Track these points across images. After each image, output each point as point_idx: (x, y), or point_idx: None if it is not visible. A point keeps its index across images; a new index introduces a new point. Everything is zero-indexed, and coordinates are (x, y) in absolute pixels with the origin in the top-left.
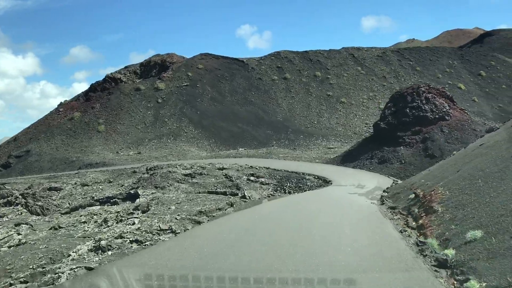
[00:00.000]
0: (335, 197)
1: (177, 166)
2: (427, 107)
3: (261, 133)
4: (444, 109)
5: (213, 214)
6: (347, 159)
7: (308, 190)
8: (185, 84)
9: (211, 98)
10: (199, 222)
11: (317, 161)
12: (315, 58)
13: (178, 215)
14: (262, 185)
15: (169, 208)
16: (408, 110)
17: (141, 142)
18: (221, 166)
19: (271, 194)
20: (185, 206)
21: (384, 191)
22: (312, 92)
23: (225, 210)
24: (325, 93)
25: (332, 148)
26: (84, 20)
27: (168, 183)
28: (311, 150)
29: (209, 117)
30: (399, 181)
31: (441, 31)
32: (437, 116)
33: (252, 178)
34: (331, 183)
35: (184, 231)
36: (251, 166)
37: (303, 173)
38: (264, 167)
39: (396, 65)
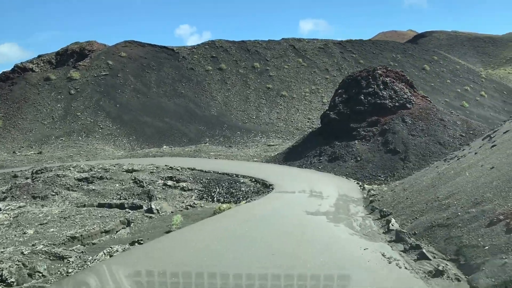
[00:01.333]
0: (285, 223)
1: (71, 168)
2: (385, 93)
3: (192, 129)
4: (405, 96)
5: (94, 241)
6: (291, 157)
7: (243, 197)
8: (104, 73)
9: (134, 90)
10: (62, 258)
11: (255, 159)
12: (253, 49)
13: (33, 245)
14: (183, 192)
15: (24, 233)
16: (362, 97)
17: (46, 140)
18: (130, 168)
19: (191, 205)
20: (52, 229)
21: (372, 208)
22: (250, 84)
23: (116, 232)
24: (265, 85)
25: (273, 145)
26: (15, 18)
27: (53, 191)
28: (249, 147)
29: (131, 111)
30: (374, 187)
31: (377, 33)
32: (397, 104)
33: (170, 182)
34: (272, 188)
35: None
36: (171, 167)
37: (238, 175)
38: (189, 168)
39: (339, 58)
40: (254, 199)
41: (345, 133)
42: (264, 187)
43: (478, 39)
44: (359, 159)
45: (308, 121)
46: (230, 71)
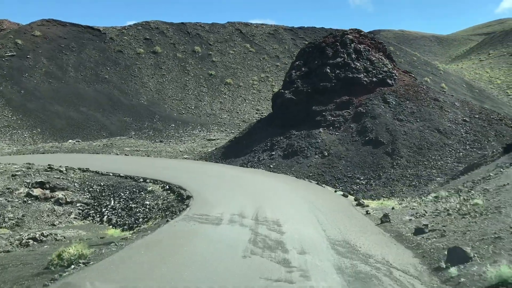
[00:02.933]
0: None
1: None
2: (358, 64)
3: (114, 120)
4: (385, 68)
5: None
6: (233, 153)
7: (144, 217)
8: (10, 54)
9: (45, 74)
10: None
11: (185, 156)
12: (194, 32)
13: None
14: (57, 206)
15: None
16: (329, 70)
17: None
18: None
19: (35, 238)
20: None
21: None
22: (189, 70)
23: None
24: (206, 72)
25: (214, 139)
26: None
27: None
28: (184, 142)
29: (39, 99)
30: (384, 204)
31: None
32: (374, 79)
33: (37, 191)
34: (187, 206)
35: None
36: (50, 168)
37: (147, 180)
38: (80, 170)
39: (290, 44)
40: (145, 233)
41: (305, 119)
42: (179, 200)
43: (424, 38)
44: (326, 153)
45: (256, 113)
46: (166, 55)
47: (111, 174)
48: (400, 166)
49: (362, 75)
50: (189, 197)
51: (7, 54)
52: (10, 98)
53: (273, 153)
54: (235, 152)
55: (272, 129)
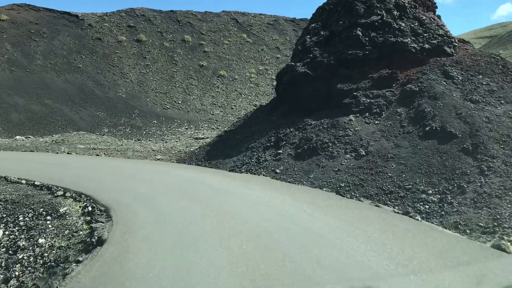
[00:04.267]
0: None
1: None
2: (403, 25)
3: (85, 115)
4: (441, 31)
5: None
6: (221, 152)
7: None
8: None
9: (8, 61)
10: None
11: (158, 157)
12: (185, 20)
13: None
14: None
15: None
16: (360, 33)
17: None
18: None
19: None
20: None
21: None
22: (178, 60)
23: None
24: (197, 63)
25: (202, 138)
26: None
27: None
28: (166, 141)
29: None
30: None
31: None
32: (427, 45)
33: None
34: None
35: None
36: None
37: (68, 194)
38: None
39: (292, 36)
40: None
41: (326, 102)
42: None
43: None
44: (363, 152)
45: (254, 108)
46: (151, 44)
47: (23, 182)
48: (496, 172)
49: (409, 39)
50: (101, 241)
51: None
52: None
53: (280, 151)
54: (224, 151)
55: (277, 118)
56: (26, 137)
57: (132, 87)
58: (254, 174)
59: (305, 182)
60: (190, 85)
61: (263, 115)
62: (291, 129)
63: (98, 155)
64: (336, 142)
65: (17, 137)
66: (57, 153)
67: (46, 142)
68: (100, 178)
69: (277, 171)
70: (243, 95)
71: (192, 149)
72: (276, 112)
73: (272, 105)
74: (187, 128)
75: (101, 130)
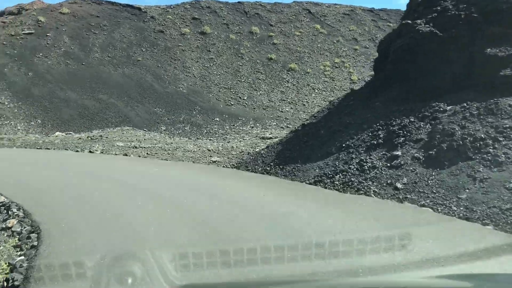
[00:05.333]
0: None
1: None
2: None
3: (142, 111)
4: None
5: None
6: (298, 154)
7: None
8: (26, 32)
9: (64, 54)
10: None
11: (214, 159)
12: (253, 11)
13: None
14: None
15: None
16: None
17: None
18: None
19: None
20: None
21: None
22: (244, 53)
23: None
24: (265, 56)
25: (270, 138)
26: None
27: None
28: (228, 140)
29: (48, 83)
30: None
31: None
32: None
33: None
34: None
35: None
36: None
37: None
38: None
39: (371, 26)
40: None
41: (469, 77)
42: None
43: None
44: None
45: (345, 94)
46: (216, 36)
47: None
48: None
49: None
50: None
51: (23, 32)
52: (13, 81)
53: (398, 153)
54: (303, 151)
55: (383, 105)
56: (66, 133)
57: (194, 82)
58: (359, 190)
59: (454, 207)
60: (257, 79)
61: (359, 101)
62: (412, 119)
63: (127, 155)
64: (500, 139)
65: (57, 133)
66: (77, 151)
67: (80, 138)
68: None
69: (398, 185)
70: (316, 90)
71: (253, 150)
72: (381, 96)
73: (373, 87)
74: (252, 127)
75: (158, 127)
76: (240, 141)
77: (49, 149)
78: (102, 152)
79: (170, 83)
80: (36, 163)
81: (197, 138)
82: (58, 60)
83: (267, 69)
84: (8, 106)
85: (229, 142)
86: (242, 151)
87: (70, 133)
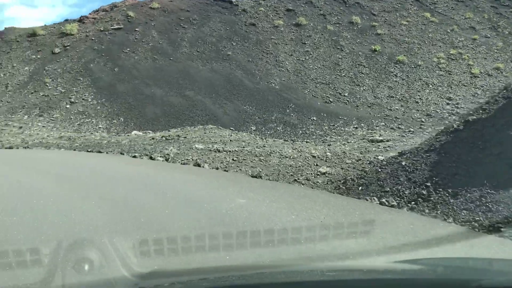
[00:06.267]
0: None
1: None
2: None
3: (230, 109)
4: None
5: None
6: (472, 171)
7: None
8: (115, 27)
9: (152, 49)
10: None
11: (322, 170)
12: (353, 0)
13: None
14: None
15: None
16: None
17: None
18: None
19: None
20: None
21: None
22: (344, 46)
23: None
24: (368, 47)
25: (381, 141)
26: None
27: None
28: (329, 143)
29: (134, 78)
30: None
31: None
32: None
33: None
34: None
35: None
36: None
37: None
38: None
39: (491, 13)
40: None
41: None
42: None
43: None
44: None
45: (448, 104)
46: (312, 28)
47: None
48: None
49: None
50: None
51: (112, 27)
52: (98, 77)
53: None
54: (482, 166)
55: None
56: (144, 132)
57: (287, 77)
58: None
59: None
60: (359, 73)
61: None
62: None
63: (199, 166)
64: None
65: (133, 132)
66: (134, 156)
67: (153, 139)
68: None
69: None
70: (430, 86)
71: (369, 156)
72: None
73: None
74: (356, 127)
75: (248, 127)
76: (344, 144)
77: (101, 152)
78: (167, 160)
79: (262, 78)
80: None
81: (293, 140)
82: (145, 55)
83: (371, 62)
84: (91, 103)
85: (329, 145)
86: (359, 159)
87: (148, 132)
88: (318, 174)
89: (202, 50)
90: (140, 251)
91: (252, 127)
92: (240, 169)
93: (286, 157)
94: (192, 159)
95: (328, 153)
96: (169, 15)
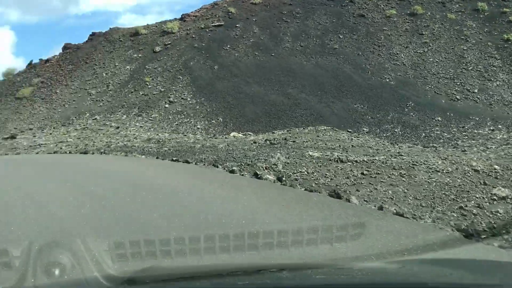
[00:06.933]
0: None
1: None
2: None
3: (338, 108)
4: None
5: None
6: None
7: None
8: (216, 24)
9: (253, 45)
10: None
11: (501, 193)
12: None
13: None
14: None
15: None
16: None
17: (78, 117)
18: None
19: None
20: None
21: None
22: (468, 35)
23: None
24: (499, 37)
25: None
26: None
27: None
28: (462, 149)
29: (234, 76)
30: None
31: None
32: None
33: None
34: None
35: None
36: None
37: None
38: None
39: None
40: None
41: None
42: None
43: None
44: None
45: None
46: (430, 17)
47: None
48: None
49: None
50: None
51: (213, 24)
52: (198, 75)
53: None
54: None
55: None
56: (244, 134)
57: (404, 72)
58: None
59: None
60: (490, 66)
61: None
62: None
63: (339, 197)
64: None
65: (232, 133)
66: (231, 171)
67: (255, 143)
68: None
69: None
70: None
71: None
72: None
73: None
74: (492, 130)
75: (359, 128)
76: (485, 151)
77: (189, 162)
78: (280, 180)
79: (374, 73)
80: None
81: (415, 144)
82: (245, 51)
83: (504, 53)
84: (190, 102)
85: (464, 151)
86: None
87: (248, 134)
88: (494, 199)
89: (306, 45)
90: None
91: (365, 128)
92: (376, 189)
93: (437, 171)
94: (307, 172)
95: (495, 166)
96: (271, 9)
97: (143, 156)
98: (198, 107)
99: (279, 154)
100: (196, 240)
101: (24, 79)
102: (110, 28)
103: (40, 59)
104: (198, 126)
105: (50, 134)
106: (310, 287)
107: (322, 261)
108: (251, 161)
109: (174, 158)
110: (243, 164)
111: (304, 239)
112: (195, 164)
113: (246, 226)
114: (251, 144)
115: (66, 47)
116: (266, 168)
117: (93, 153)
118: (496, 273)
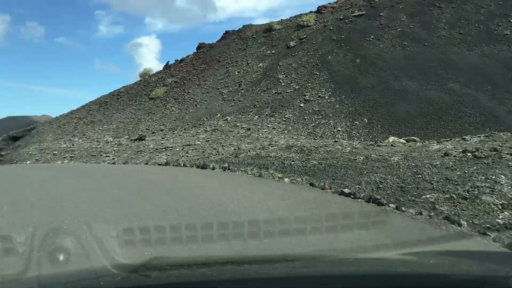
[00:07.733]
0: None
1: None
2: None
3: None
4: None
5: None
6: None
7: None
8: (356, 14)
9: (400, 35)
10: None
11: None
12: None
13: None
14: None
15: None
16: None
17: (208, 117)
18: None
19: None
20: None
21: None
22: None
23: None
24: None
25: None
26: None
27: None
28: None
29: (379, 71)
30: None
31: None
32: None
33: None
34: None
35: None
36: None
37: None
38: None
39: None
40: None
41: None
42: None
43: None
44: None
45: None
46: None
47: None
48: None
49: None
50: None
51: (353, 15)
52: (336, 70)
53: None
54: None
55: None
56: (407, 140)
57: None
58: None
59: None
60: None
61: None
62: None
63: None
64: None
65: (391, 139)
66: (445, 217)
67: (445, 155)
68: None
69: None
70: None
71: None
72: None
73: None
74: None
75: None
76: None
77: (381, 203)
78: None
79: None
80: None
81: None
82: (392, 42)
83: None
84: (328, 101)
85: None
86: None
87: (413, 140)
88: None
89: (467, 32)
90: None
91: None
92: None
93: None
94: None
95: None
96: None
97: (286, 179)
98: (337, 106)
99: (503, 177)
100: None
101: (159, 80)
102: (243, 26)
103: (176, 60)
104: (339, 128)
105: (180, 136)
106: (327, 277)
107: None
108: (466, 191)
109: (338, 189)
110: (454, 197)
111: None
112: (385, 204)
113: None
114: (442, 157)
115: (200, 47)
116: (504, 208)
117: (213, 169)
118: (510, 264)
